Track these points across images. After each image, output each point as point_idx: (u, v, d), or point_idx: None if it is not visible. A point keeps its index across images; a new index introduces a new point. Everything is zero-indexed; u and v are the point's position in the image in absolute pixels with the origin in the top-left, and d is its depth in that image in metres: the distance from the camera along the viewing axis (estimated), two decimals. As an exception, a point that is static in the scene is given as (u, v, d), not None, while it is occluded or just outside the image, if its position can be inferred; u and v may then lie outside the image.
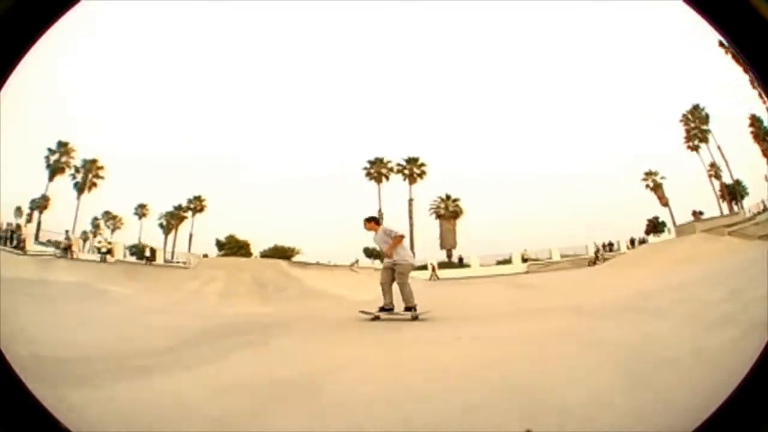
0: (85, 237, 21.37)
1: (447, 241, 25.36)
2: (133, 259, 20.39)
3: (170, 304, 8.85)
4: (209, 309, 8.36)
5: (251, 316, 7.53)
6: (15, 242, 19.25)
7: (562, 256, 20.13)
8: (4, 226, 20.52)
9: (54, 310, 6.97)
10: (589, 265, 17.20)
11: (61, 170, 24.48)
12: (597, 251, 19.25)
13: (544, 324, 4.81)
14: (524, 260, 20.86)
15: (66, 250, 17.48)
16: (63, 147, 26.95)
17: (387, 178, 27.67)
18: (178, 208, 26.85)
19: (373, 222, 6.75)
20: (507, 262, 21.42)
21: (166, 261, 22.59)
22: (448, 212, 28.50)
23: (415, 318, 5.93)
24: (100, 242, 21.28)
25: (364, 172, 27.53)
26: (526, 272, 19.36)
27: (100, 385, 2.77)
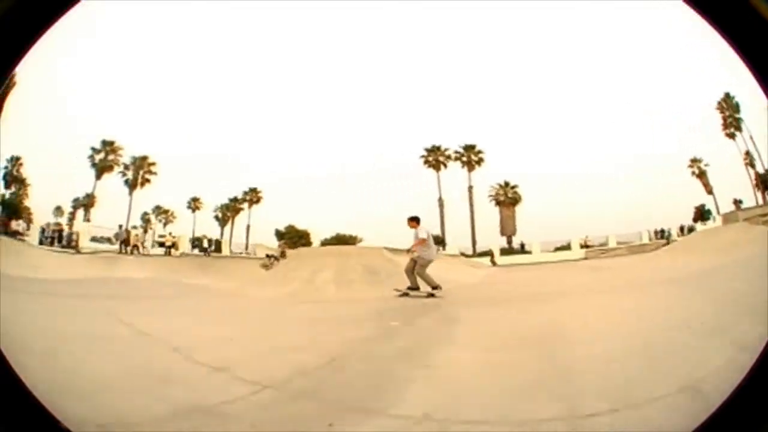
0: (136, 232, 21.40)
1: (507, 228, 25.21)
2: (195, 251, 20.37)
3: (288, 295, 8.58)
4: (339, 296, 8.12)
5: (390, 300, 7.46)
6: (65, 241, 19.28)
7: (618, 243, 20.38)
8: (51, 226, 20.69)
9: (189, 310, 6.87)
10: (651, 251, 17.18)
11: (110, 168, 25.80)
12: (666, 237, 19.95)
13: (635, 294, 5.87)
14: (583, 246, 20.90)
15: (123, 244, 17.16)
16: (109, 145, 27.09)
17: (445, 165, 27.83)
18: (234, 200, 28.29)
19: (414, 221, 8.27)
20: (565, 248, 21.32)
21: (232, 253, 22.71)
22: (508, 199, 28.33)
23: (431, 295, 7.48)
24: (163, 236, 21.26)
25: (422, 160, 27.71)
26: (585, 258, 19.28)
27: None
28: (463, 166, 28.12)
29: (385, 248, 9.43)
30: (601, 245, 20.61)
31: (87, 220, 24.85)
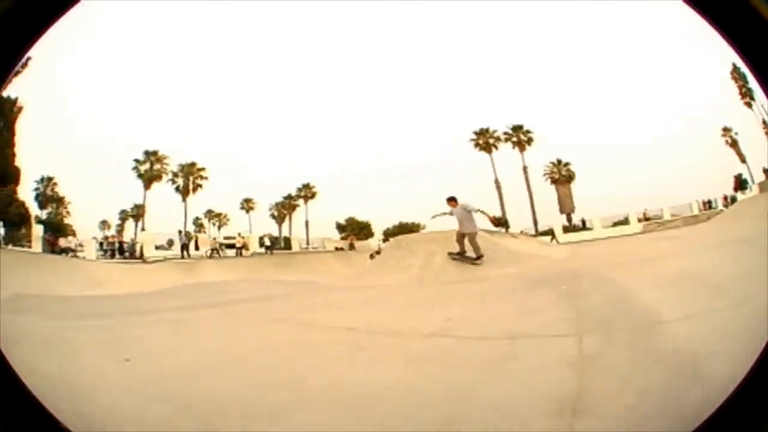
0: (191, 236, 21.56)
1: (566, 205, 25.22)
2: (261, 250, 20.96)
3: (417, 280, 8.48)
4: (471, 276, 8.20)
5: (524, 273, 7.77)
6: (127, 252, 19.65)
7: (672, 216, 20.99)
8: (108, 239, 20.96)
9: (350, 304, 6.63)
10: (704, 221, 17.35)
11: (158, 177, 26.05)
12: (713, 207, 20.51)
13: (724, 252, 6.36)
14: (641, 220, 21.40)
15: (184, 249, 17.69)
16: (153, 155, 27.51)
17: (496, 147, 27.26)
18: (289, 197, 28.12)
19: (452, 201, 9.52)
20: (622, 223, 22.04)
21: (302, 248, 23.02)
22: (562, 176, 28.31)
23: (476, 262, 8.95)
24: (231, 237, 21.47)
25: (472, 143, 27.79)
26: (643, 232, 19.70)
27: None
28: (513, 147, 27.90)
29: (481, 230, 9.65)
30: (656, 218, 21.46)
31: (142, 229, 25.28)
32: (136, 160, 27.80)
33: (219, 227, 28.12)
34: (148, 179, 27.53)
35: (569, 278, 6.43)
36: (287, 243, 24.45)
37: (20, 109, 25.37)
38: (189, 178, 27.87)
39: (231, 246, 20.15)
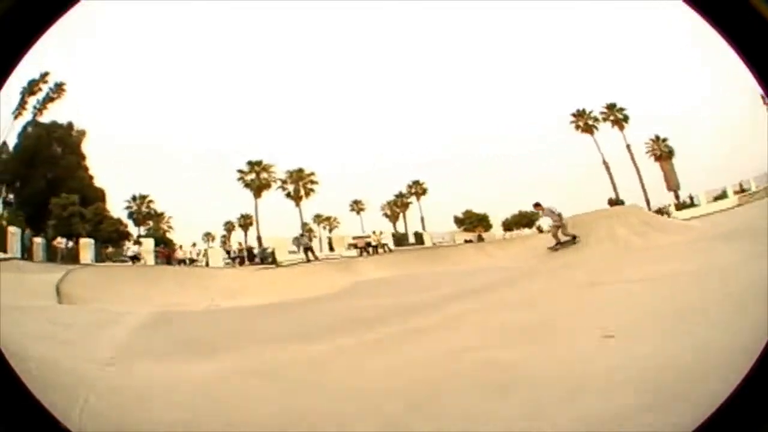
0: (310, 239, 22.26)
1: (672, 182, 24.99)
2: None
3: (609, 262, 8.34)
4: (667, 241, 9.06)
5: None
6: (258, 258, 20.61)
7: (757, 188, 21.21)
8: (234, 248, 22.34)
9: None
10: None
11: (267, 185, 27.10)
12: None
13: None
14: (737, 192, 21.75)
15: (309, 251, 18.31)
16: (258, 166, 27.80)
17: (596, 128, 27.54)
18: (400, 195, 29.04)
19: (538, 206, 12.99)
20: (721, 197, 22.35)
21: (434, 243, 23.46)
22: (664, 153, 27.96)
23: (575, 241, 11.35)
24: (361, 237, 22.09)
25: (573, 125, 27.56)
26: (739, 204, 20.00)
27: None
28: (613, 126, 27.60)
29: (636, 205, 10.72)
30: (745, 191, 21.70)
31: (258, 237, 26.00)
32: (241, 171, 28.62)
33: (330, 230, 29.07)
34: (257, 188, 28.22)
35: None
36: (419, 238, 24.75)
37: (82, 133, 25.85)
38: (299, 184, 28.47)
39: (368, 244, 20.64)
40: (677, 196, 24.43)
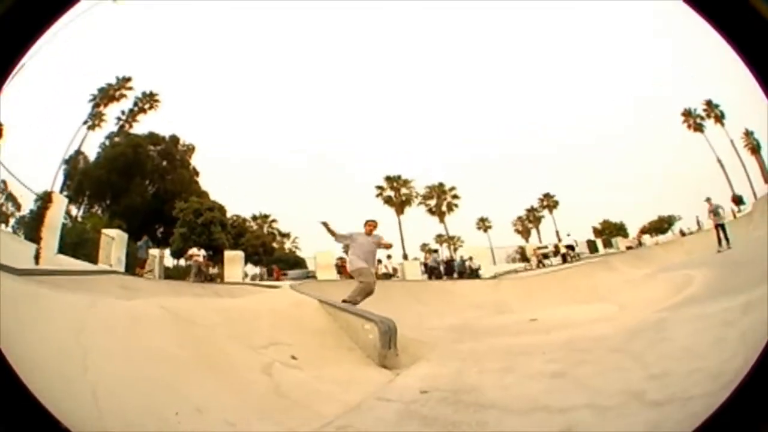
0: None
1: None
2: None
3: None
4: None
5: None
6: (457, 271, 20.21)
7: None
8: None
9: None
10: None
11: (408, 202, 27.30)
12: None
13: None
14: None
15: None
16: (397, 180, 27.83)
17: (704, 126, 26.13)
18: (531, 209, 29.04)
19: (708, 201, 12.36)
20: None
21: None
22: (754, 146, 27.85)
23: None
24: (545, 247, 23.05)
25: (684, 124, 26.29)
26: None
27: None
28: (715, 123, 27.11)
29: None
30: None
31: (404, 256, 24.82)
32: (379, 187, 28.38)
33: (455, 249, 28.54)
34: (400, 205, 27.93)
35: None
36: (593, 246, 24.62)
37: (191, 148, 24.88)
38: (441, 199, 28.49)
39: (547, 255, 21.24)
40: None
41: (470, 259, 20.18)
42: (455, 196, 28.42)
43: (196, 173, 24.24)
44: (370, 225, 6.52)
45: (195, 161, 24.42)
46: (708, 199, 13.00)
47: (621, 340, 3.54)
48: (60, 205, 12.69)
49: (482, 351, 4.29)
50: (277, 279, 17.68)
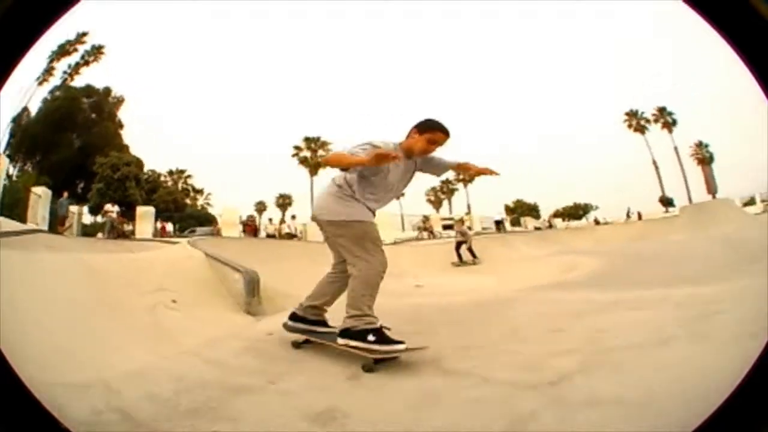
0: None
1: (712, 185, 27.02)
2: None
3: None
4: None
5: None
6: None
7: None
8: None
9: None
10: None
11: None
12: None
13: None
14: (764, 201, 24.05)
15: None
16: (315, 142, 27.23)
17: (647, 128, 29.64)
18: (446, 181, 31.44)
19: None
20: (749, 203, 24.56)
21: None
22: (705, 157, 29.57)
23: None
24: (450, 219, 23.62)
25: (625, 124, 29.68)
26: (764, 211, 21.70)
27: None
28: (662, 128, 28.88)
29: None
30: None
31: (293, 217, 23.91)
32: (297, 147, 27.76)
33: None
34: (314, 165, 27.46)
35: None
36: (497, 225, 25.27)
37: (120, 100, 24.07)
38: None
39: (449, 227, 21.53)
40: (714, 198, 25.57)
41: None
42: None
43: (121, 126, 23.28)
44: None
45: (123, 114, 23.48)
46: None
47: (472, 307, 4.61)
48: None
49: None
50: (163, 236, 17.28)
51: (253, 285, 4.54)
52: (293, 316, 3.14)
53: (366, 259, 2.69)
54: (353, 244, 2.74)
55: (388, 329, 2.67)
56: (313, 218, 2.96)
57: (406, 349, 2.57)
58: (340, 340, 2.68)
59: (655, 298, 3.73)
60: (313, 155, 27.57)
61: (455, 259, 13.08)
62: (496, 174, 3.05)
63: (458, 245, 13.29)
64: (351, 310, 2.68)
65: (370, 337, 2.57)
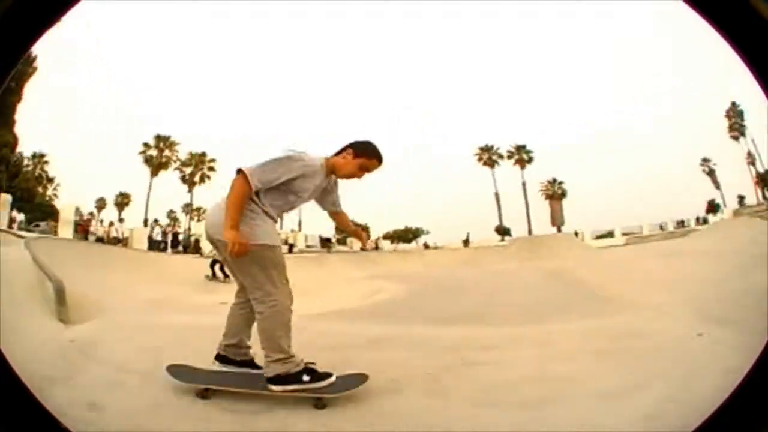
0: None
1: (557, 219, 28.61)
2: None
3: None
4: None
5: None
6: (182, 246, 20.33)
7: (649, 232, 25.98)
8: None
9: None
10: (680, 237, 19.59)
11: (166, 165, 26.17)
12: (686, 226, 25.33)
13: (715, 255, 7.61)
14: (624, 234, 26.21)
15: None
16: (164, 142, 26.27)
17: (498, 163, 33.01)
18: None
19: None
20: (606, 236, 27.04)
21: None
22: (556, 193, 32.27)
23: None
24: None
25: (476, 158, 32.75)
26: (626, 244, 23.25)
27: None
28: (515, 164, 30.46)
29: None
30: (635, 234, 25.42)
31: (120, 219, 24.32)
32: (146, 144, 26.04)
33: (198, 221, 26.95)
34: (157, 165, 26.17)
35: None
36: (324, 242, 25.91)
37: (35, 70, 21.74)
38: (197, 168, 27.50)
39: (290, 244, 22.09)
40: (559, 231, 27.10)
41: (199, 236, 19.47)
42: (211, 168, 27.14)
43: (19, 98, 20.26)
44: None
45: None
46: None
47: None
48: None
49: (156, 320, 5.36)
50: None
51: (60, 293, 4.64)
52: (221, 358, 2.61)
53: (273, 295, 2.36)
54: (259, 273, 2.35)
55: (313, 364, 2.46)
56: (208, 238, 2.47)
57: (336, 378, 2.39)
58: (276, 388, 2.35)
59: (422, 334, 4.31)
60: (159, 155, 26.22)
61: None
62: (365, 245, 3.26)
63: (213, 263, 12.02)
64: (274, 354, 2.36)
65: (305, 378, 2.35)
